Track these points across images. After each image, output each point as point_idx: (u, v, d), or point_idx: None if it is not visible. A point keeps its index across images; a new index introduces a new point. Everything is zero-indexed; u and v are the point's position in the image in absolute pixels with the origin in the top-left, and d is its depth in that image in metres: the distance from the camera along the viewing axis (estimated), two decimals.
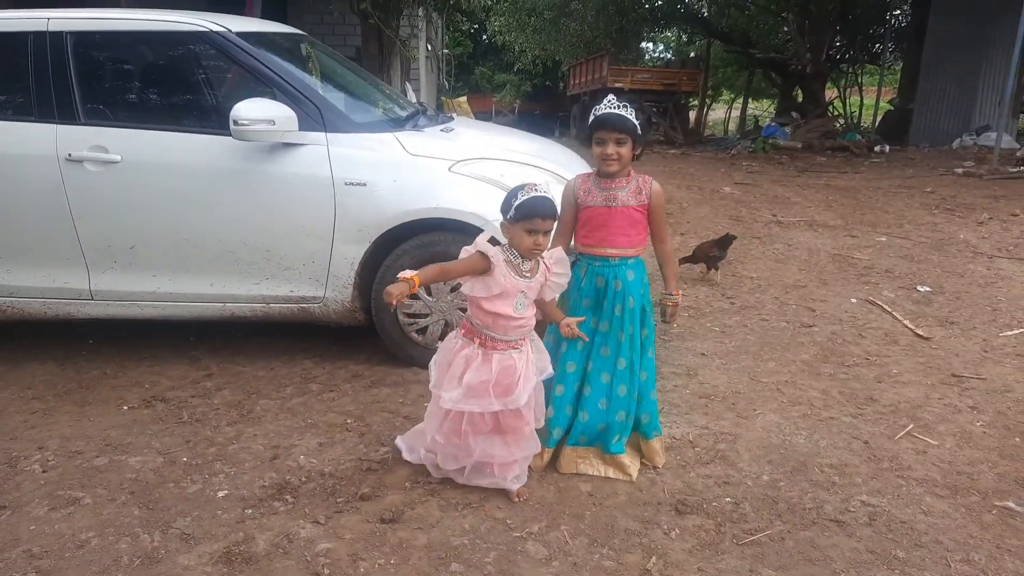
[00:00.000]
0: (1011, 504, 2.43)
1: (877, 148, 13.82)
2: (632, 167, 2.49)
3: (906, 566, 2.12)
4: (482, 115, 24.57)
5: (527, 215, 2.13)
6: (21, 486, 2.48)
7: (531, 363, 2.32)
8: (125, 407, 3.09)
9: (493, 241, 2.27)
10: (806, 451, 2.76)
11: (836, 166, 11.95)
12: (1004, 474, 2.63)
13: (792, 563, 2.13)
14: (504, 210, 2.20)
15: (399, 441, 2.66)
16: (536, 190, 2.14)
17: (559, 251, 2.32)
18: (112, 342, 3.75)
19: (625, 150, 2.37)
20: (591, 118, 2.38)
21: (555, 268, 2.26)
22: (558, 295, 2.40)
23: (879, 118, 18.45)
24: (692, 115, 22.42)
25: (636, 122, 2.34)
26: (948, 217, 7.40)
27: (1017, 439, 2.89)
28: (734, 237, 5.21)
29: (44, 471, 2.58)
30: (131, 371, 3.45)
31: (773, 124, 16.73)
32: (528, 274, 2.23)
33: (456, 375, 2.26)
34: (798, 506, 2.41)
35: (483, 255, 2.18)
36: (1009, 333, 4.07)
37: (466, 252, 2.23)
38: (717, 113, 28.89)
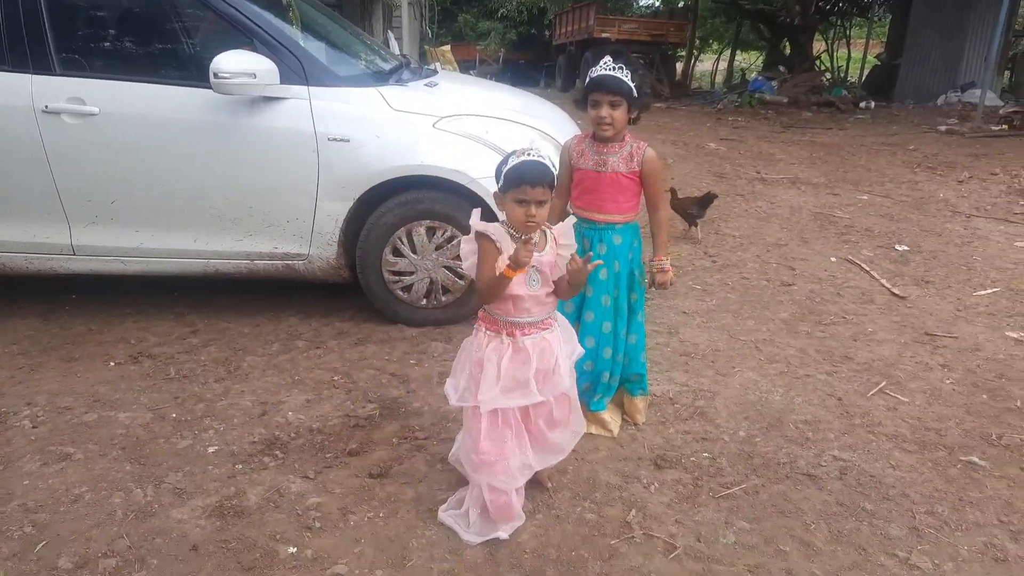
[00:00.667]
0: (975, 459, 2.54)
1: (862, 104, 13.82)
2: (631, 130, 2.46)
3: (873, 518, 2.22)
4: (466, 64, 24.13)
5: (515, 182, 1.88)
6: (12, 442, 2.51)
7: (563, 342, 2.11)
8: (112, 363, 3.10)
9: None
10: (782, 408, 2.85)
11: (821, 122, 11.95)
12: (970, 430, 2.73)
13: (765, 515, 2.22)
14: (496, 179, 1.94)
15: (445, 517, 2.15)
16: (528, 154, 1.89)
17: (566, 223, 2.05)
18: (95, 297, 3.73)
19: (619, 113, 2.32)
20: (587, 80, 2.33)
21: (562, 241, 2.02)
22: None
23: (866, 73, 18.36)
24: (679, 67, 22.17)
25: (632, 85, 2.28)
26: (929, 175, 7.47)
27: (984, 396, 2.99)
28: (715, 196, 5.25)
29: (34, 427, 2.61)
30: (116, 327, 3.45)
31: (760, 78, 16.63)
32: (535, 248, 1.95)
33: (492, 374, 1.99)
34: (772, 461, 2.50)
35: (484, 235, 1.93)
36: (982, 292, 4.17)
37: (467, 241, 1.99)
38: (704, 65, 28.57)
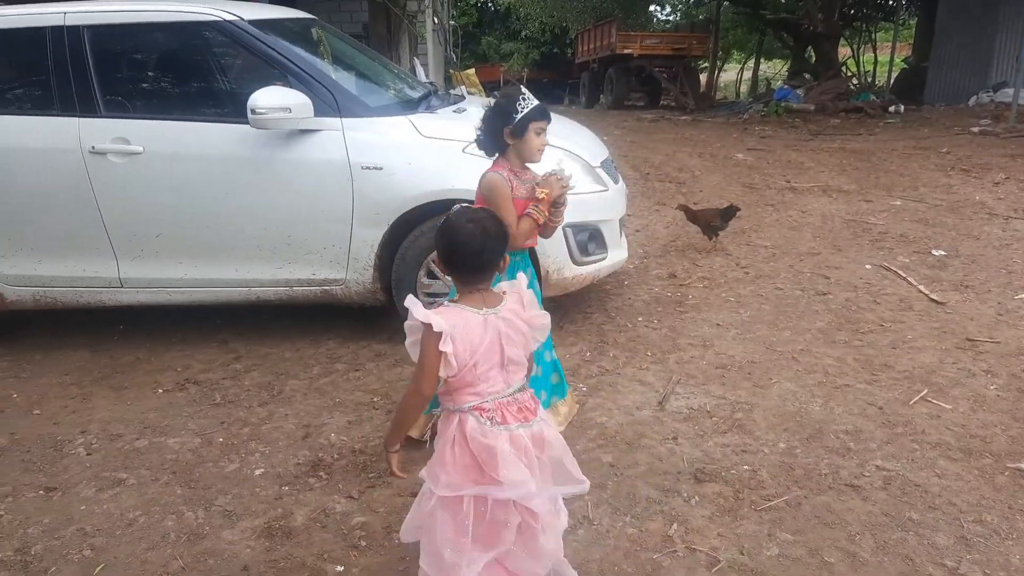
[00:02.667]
0: (1023, 466, 2.49)
1: (891, 108, 13.63)
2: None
3: (920, 528, 2.19)
4: (490, 85, 24.39)
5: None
6: (68, 468, 2.60)
7: None
8: (160, 390, 3.20)
9: None
10: (821, 418, 2.83)
11: (850, 128, 11.82)
12: (1017, 436, 2.68)
13: (809, 527, 2.21)
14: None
15: None
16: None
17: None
18: (141, 328, 3.85)
19: None
20: (532, 106, 2.33)
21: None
22: None
23: (893, 77, 18.14)
24: (703, 78, 22.14)
25: None
26: (964, 178, 7.34)
27: None
28: (738, 208, 5.20)
29: (88, 454, 2.70)
30: (162, 355, 3.56)
31: (785, 87, 16.52)
32: None
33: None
34: (814, 472, 2.48)
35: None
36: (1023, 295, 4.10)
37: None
38: (728, 74, 28.50)
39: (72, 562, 2.12)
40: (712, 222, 5.07)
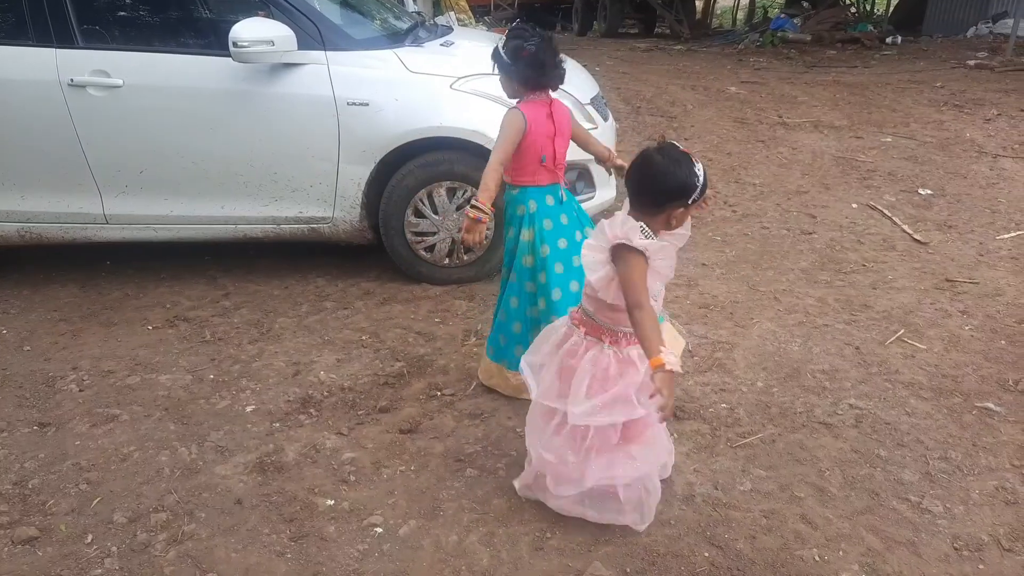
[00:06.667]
0: (990, 405, 2.59)
1: (889, 39, 13.34)
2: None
3: (887, 464, 2.29)
4: (480, 9, 23.59)
5: (704, 189, 1.83)
6: (61, 404, 2.65)
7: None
8: (150, 327, 3.22)
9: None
10: (799, 358, 2.91)
11: (846, 60, 11.61)
12: (987, 376, 2.77)
13: (781, 463, 2.30)
14: (678, 192, 1.79)
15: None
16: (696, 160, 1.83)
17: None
18: (130, 263, 3.84)
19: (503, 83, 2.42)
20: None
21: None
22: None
23: (893, 6, 17.70)
24: (699, 4, 21.49)
25: (503, 52, 2.35)
26: (956, 114, 7.29)
27: (1003, 342, 3.02)
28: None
29: (81, 390, 2.75)
30: (151, 292, 3.57)
31: (782, 16, 16.08)
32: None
33: (583, 384, 1.86)
34: (789, 410, 2.57)
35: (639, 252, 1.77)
36: (1006, 236, 4.14)
37: (599, 251, 1.83)
38: (726, 0, 27.64)
39: (69, 495, 2.18)
40: None
